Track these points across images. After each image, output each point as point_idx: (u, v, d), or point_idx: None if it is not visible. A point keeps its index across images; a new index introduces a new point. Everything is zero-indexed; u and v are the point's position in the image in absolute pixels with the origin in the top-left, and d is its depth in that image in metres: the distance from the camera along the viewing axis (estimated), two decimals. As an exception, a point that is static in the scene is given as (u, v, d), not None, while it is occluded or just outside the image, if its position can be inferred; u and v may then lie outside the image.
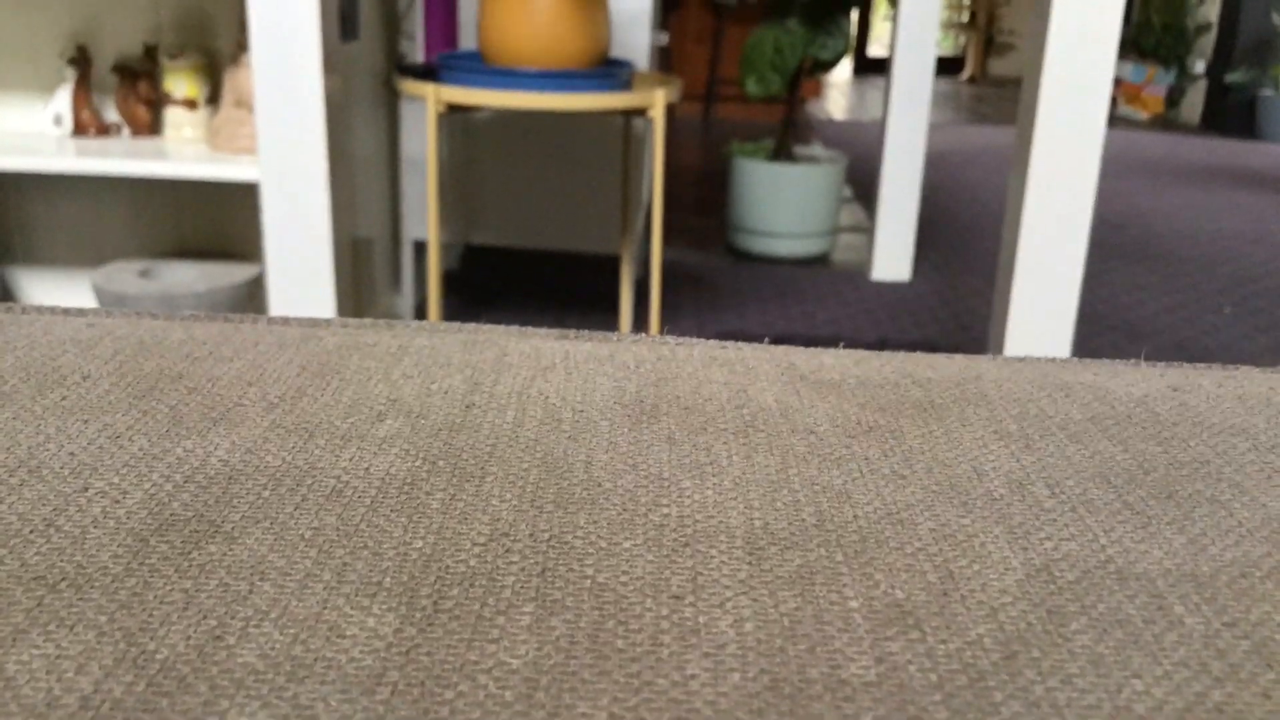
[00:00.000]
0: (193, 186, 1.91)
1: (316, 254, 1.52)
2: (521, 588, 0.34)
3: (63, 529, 0.36)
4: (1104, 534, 0.39)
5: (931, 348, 2.19)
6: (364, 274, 1.89)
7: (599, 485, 0.41)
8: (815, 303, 2.44)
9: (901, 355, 0.56)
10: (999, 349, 1.56)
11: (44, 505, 0.38)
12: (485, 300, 2.34)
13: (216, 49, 1.81)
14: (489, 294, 2.39)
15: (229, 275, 1.78)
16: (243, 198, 1.90)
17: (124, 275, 1.76)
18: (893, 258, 2.67)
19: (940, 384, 0.52)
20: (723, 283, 2.57)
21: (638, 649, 0.32)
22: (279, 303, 1.53)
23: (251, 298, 1.80)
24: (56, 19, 1.80)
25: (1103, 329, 2.33)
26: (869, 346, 2.14)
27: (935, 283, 2.65)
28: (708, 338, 2.10)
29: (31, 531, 0.36)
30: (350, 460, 0.42)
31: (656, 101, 1.69)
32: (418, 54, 2.09)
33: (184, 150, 1.71)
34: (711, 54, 5.15)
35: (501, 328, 0.57)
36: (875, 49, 7.40)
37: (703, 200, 3.53)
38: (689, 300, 2.41)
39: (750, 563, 0.37)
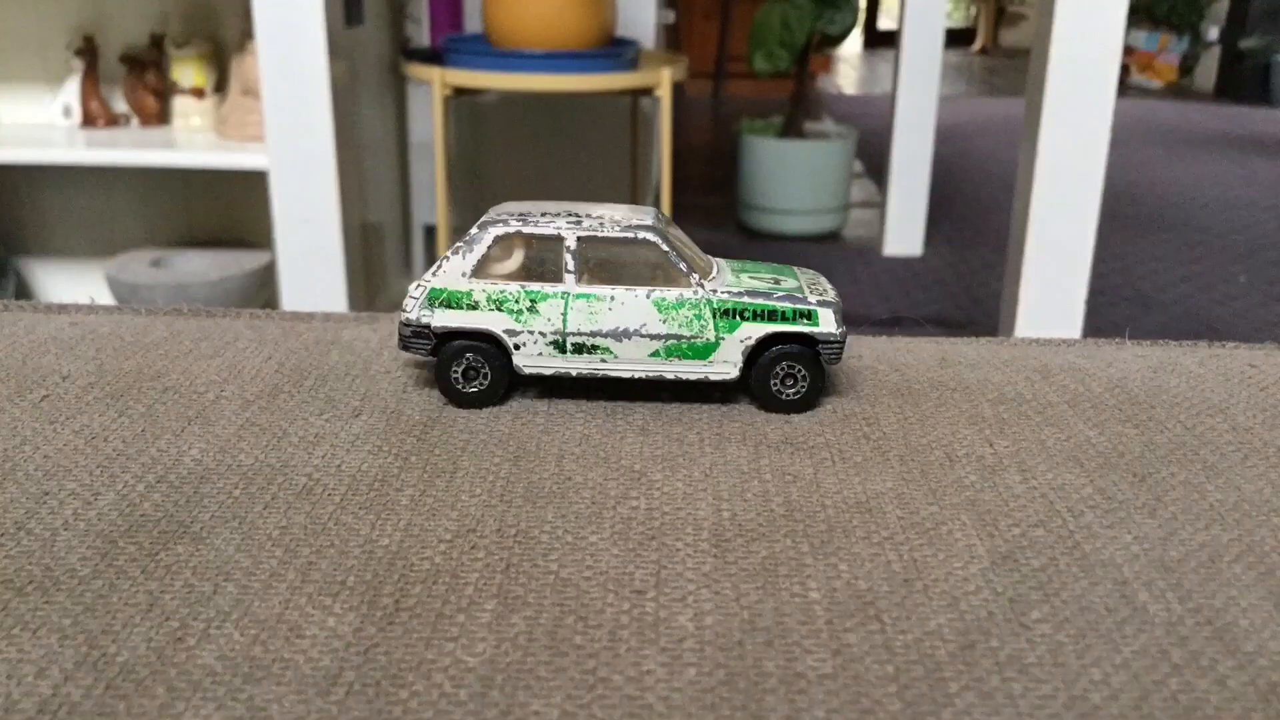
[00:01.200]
0: (202, 175, 1.92)
1: (326, 240, 1.52)
2: (484, 584, 0.35)
3: (33, 532, 0.37)
4: (1073, 520, 0.39)
5: (943, 323, 2.18)
6: (375, 259, 1.89)
7: (569, 478, 0.41)
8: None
9: (881, 340, 0.56)
10: (1010, 323, 1.56)
11: (15, 508, 0.38)
12: (496, 283, 2.34)
13: (222, 37, 1.82)
14: (500, 276, 2.39)
15: (240, 263, 1.79)
16: (252, 185, 1.90)
17: (136, 266, 1.76)
18: (904, 233, 2.66)
19: (918, 368, 0.52)
20: (734, 261, 2.56)
21: (596, 645, 0.32)
22: (290, 289, 1.53)
23: (263, 285, 1.81)
24: (63, 10, 1.81)
25: (1116, 300, 2.32)
26: (881, 323, 2.13)
27: (947, 257, 2.64)
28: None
29: (2, 535, 0.36)
30: (322, 458, 0.42)
31: (663, 80, 1.69)
32: (423, 37, 2.08)
33: (193, 139, 1.71)
34: (720, 31, 5.12)
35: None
36: (885, 21, 7.34)
37: (713, 179, 3.52)
38: (700, 279, 2.40)
39: (715, 555, 0.37)
